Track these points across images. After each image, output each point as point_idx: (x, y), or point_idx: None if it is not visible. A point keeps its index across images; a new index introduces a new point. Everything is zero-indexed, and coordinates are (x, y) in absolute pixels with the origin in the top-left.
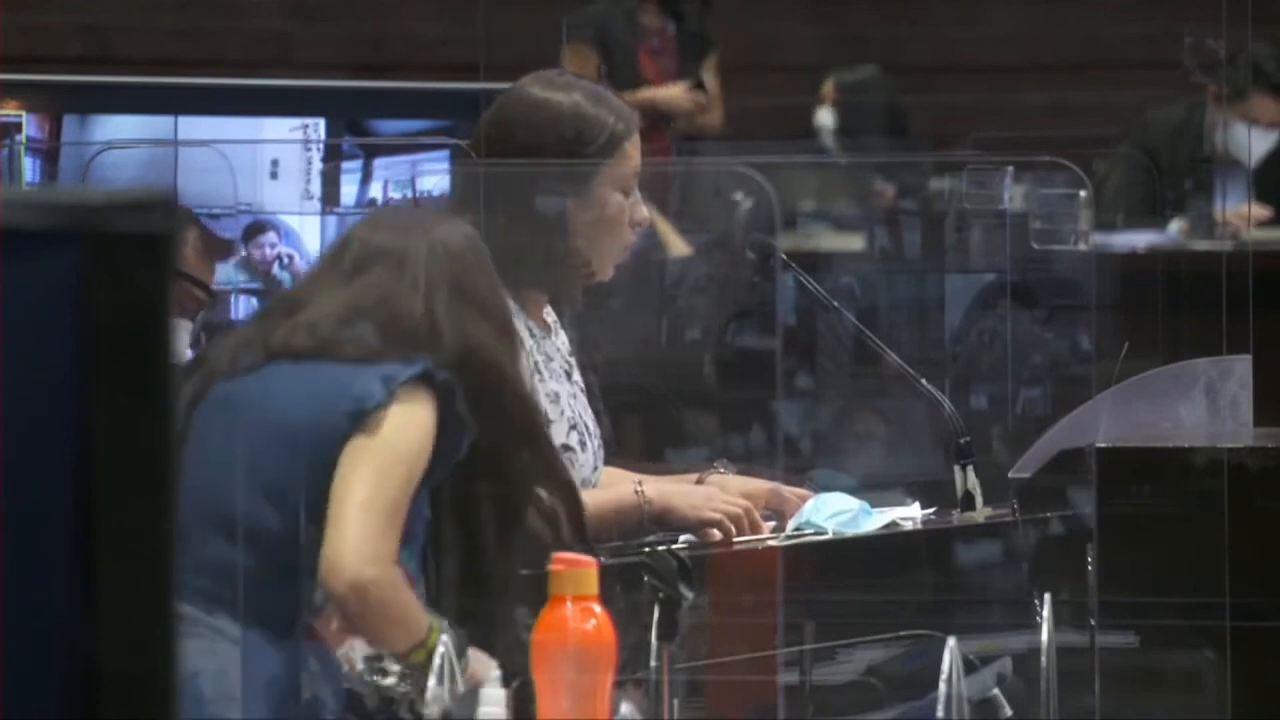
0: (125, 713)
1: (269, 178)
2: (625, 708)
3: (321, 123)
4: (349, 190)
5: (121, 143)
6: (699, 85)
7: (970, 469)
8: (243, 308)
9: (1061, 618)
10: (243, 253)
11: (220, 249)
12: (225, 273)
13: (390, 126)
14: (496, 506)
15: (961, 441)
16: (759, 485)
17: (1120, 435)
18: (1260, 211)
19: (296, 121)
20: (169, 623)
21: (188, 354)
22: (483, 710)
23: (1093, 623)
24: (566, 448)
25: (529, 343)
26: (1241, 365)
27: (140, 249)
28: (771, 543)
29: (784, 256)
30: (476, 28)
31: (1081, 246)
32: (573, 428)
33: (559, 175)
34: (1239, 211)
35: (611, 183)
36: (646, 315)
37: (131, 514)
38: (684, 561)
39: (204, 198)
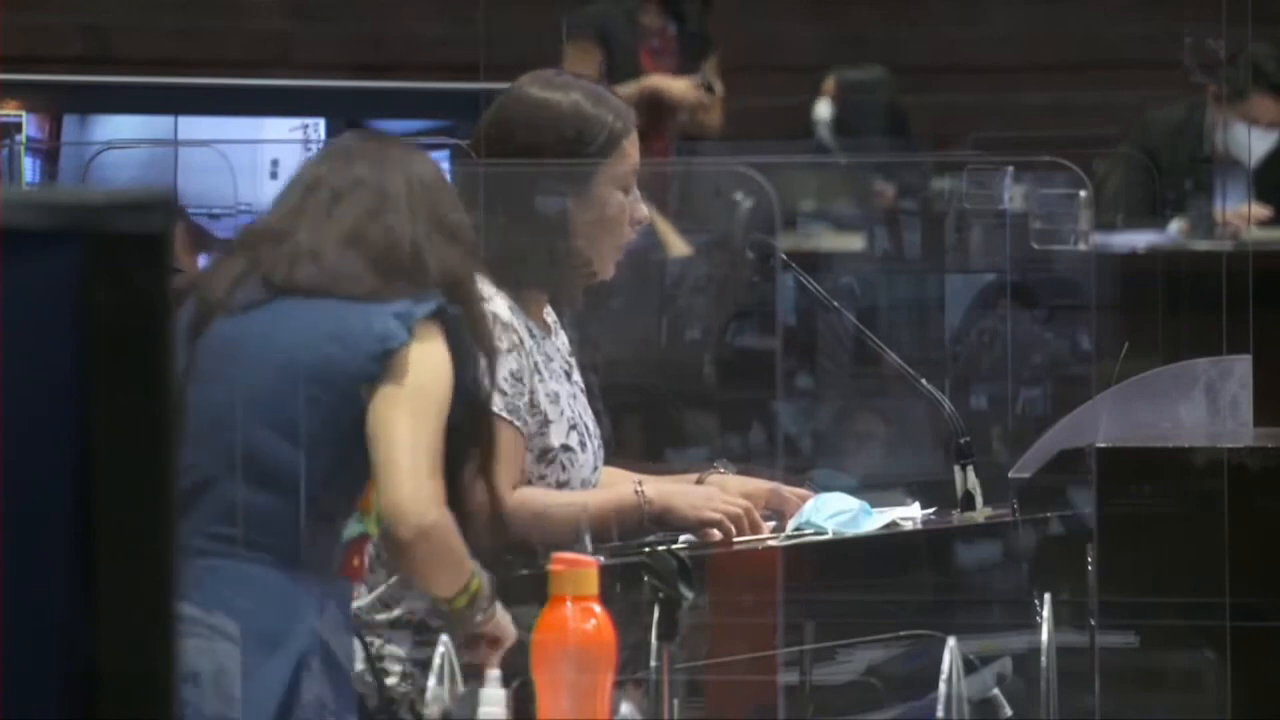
0: (125, 713)
1: (269, 178)
2: (625, 708)
3: (321, 123)
4: None
5: (121, 143)
6: (707, 86)
7: (970, 469)
8: None
9: (1061, 618)
10: None
11: (204, 242)
12: None
13: (390, 126)
14: (468, 433)
15: (961, 441)
16: (759, 485)
17: (1120, 435)
18: (1260, 211)
19: (296, 121)
20: (169, 623)
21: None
22: (483, 710)
23: (1093, 623)
24: (566, 448)
25: (529, 343)
26: (1241, 365)
27: (140, 249)
28: (771, 543)
29: (784, 256)
30: (476, 28)
31: (1081, 246)
32: (572, 428)
33: (559, 175)
34: (1239, 211)
35: (611, 181)
36: (646, 315)
37: (131, 514)
38: (684, 561)
39: (204, 198)
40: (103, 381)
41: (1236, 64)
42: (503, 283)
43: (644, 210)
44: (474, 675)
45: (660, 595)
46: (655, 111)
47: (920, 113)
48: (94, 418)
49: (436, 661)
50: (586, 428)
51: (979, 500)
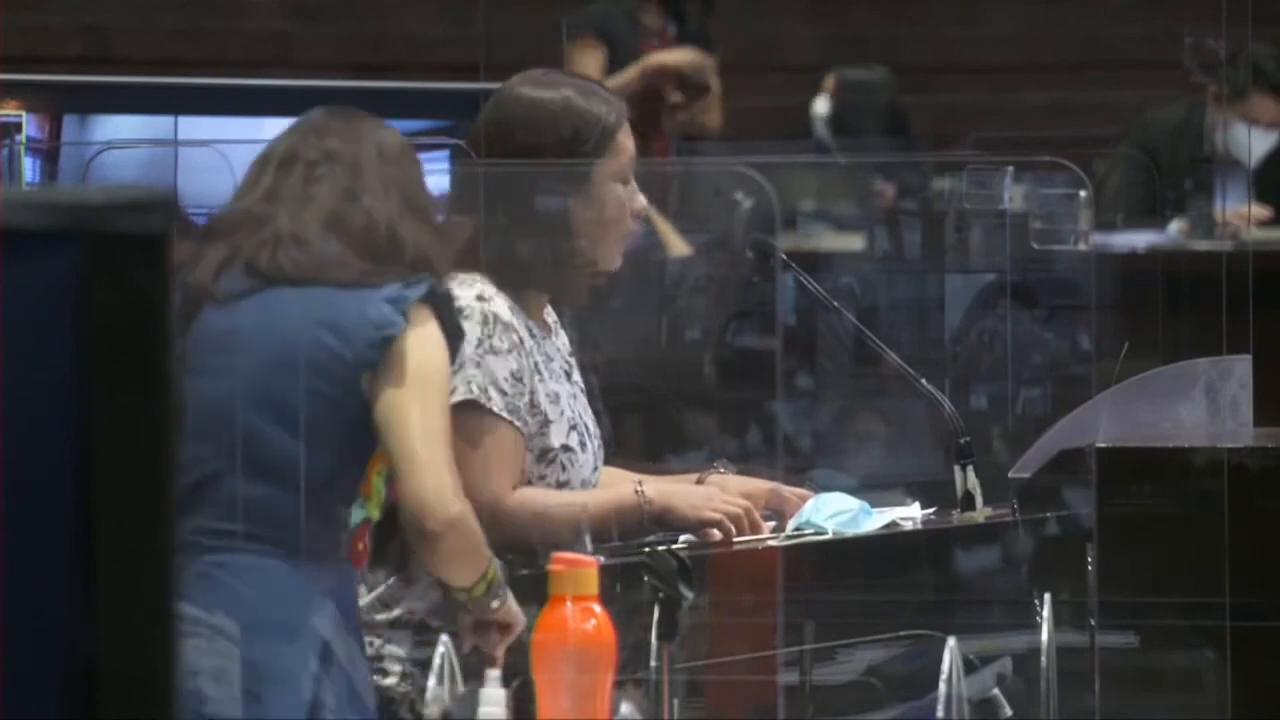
0: (125, 713)
1: None
2: (625, 708)
3: None
4: None
5: (121, 143)
6: (705, 86)
7: (970, 469)
8: None
9: (1061, 618)
10: None
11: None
12: None
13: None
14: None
15: (961, 441)
16: (759, 485)
17: (1120, 435)
18: (1260, 211)
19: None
20: (169, 623)
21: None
22: (483, 710)
23: (1093, 623)
24: (566, 448)
25: (529, 343)
26: (1241, 365)
27: (140, 249)
28: (771, 543)
29: (784, 256)
30: (476, 28)
31: (1081, 246)
32: (572, 428)
33: (559, 175)
34: (1239, 211)
35: (610, 176)
36: (646, 315)
37: (131, 514)
38: (684, 561)
39: (204, 198)
40: (103, 381)
41: (1236, 64)
42: (505, 284)
43: (643, 200)
44: (475, 674)
45: (660, 595)
46: (658, 95)
47: (920, 113)
48: (94, 418)
49: (436, 661)
50: (586, 428)
51: (979, 500)
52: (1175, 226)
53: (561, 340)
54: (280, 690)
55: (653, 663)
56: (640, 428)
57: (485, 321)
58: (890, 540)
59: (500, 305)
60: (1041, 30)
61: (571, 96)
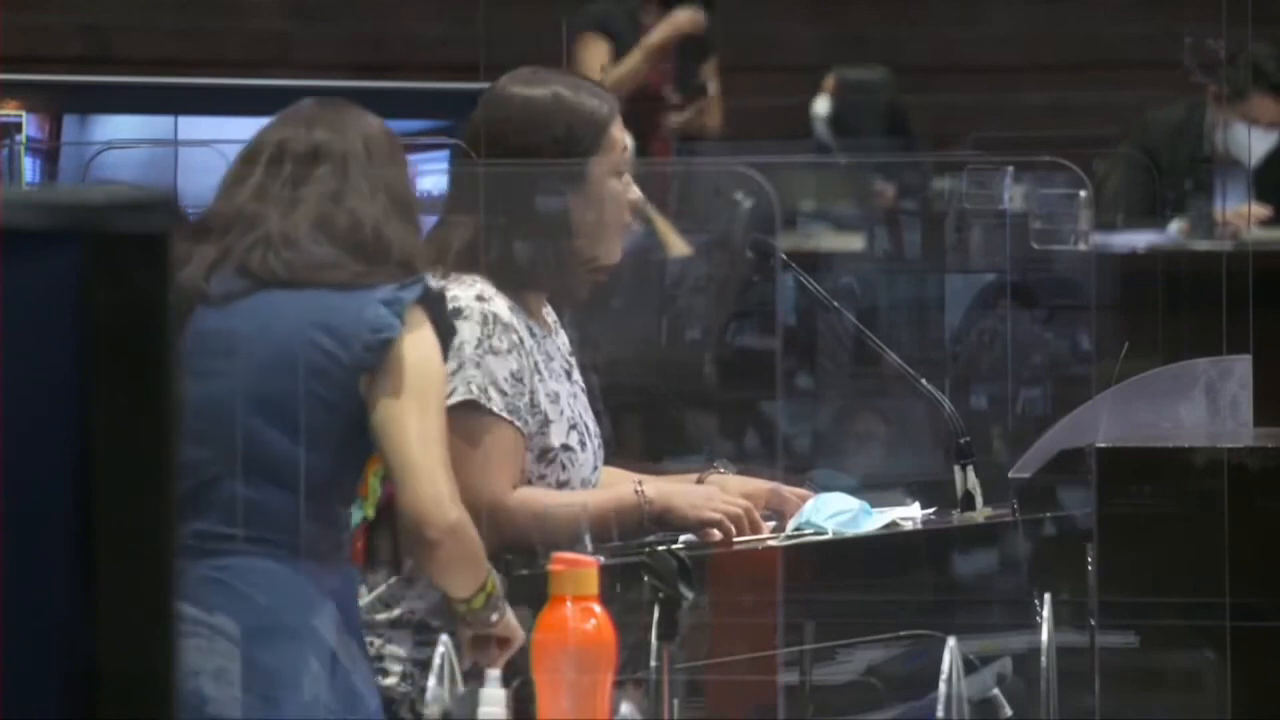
0: (125, 713)
1: None
2: (625, 708)
3: None
4: None
5: (121, 143)
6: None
7: (970, 469)
8: None
9: (1061, 618)
10: None
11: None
12: None
13: (390, 126)
14: None
15: (961, 441)
16: (759, 485)
17: (1120, 435)
18: (1260, 211)
19: None
20: (169, 623)
21: None
22: (483, 710)
23: (1093, 623)
24: (567, 447)
25: (529, 342)
26: (1241, 365)
27: (140, 249)
28: (771, 543)
29: (784, 256)
30: (476, 28)
31: (1081, 246)
32: (572, 427)
33: (557, 175)
34: (1239, 211)
35: (606, 171)
36: (646, 315)
37: (131, 514)
38: (684, 561)
39: (204, 198)
40: (103, 381)
41: (1236, 64)
42: (504, 284)
43: (638, 191)
44: (474, 675)
45: (660, 595)
46: (657, 95)
47: (920, 113)
48: (94, 418)
49: (436, 661)
50: (586, 427)
51: (979, 500)
52: (1175, 226)
53: (561, 339)
54: (296, 694)
55: (653, 663)
56: (640, 428)
57: (485, 322)
58: (890, 540)
59: (500, 305)
60: (1041, 30)
61: (562, 93)
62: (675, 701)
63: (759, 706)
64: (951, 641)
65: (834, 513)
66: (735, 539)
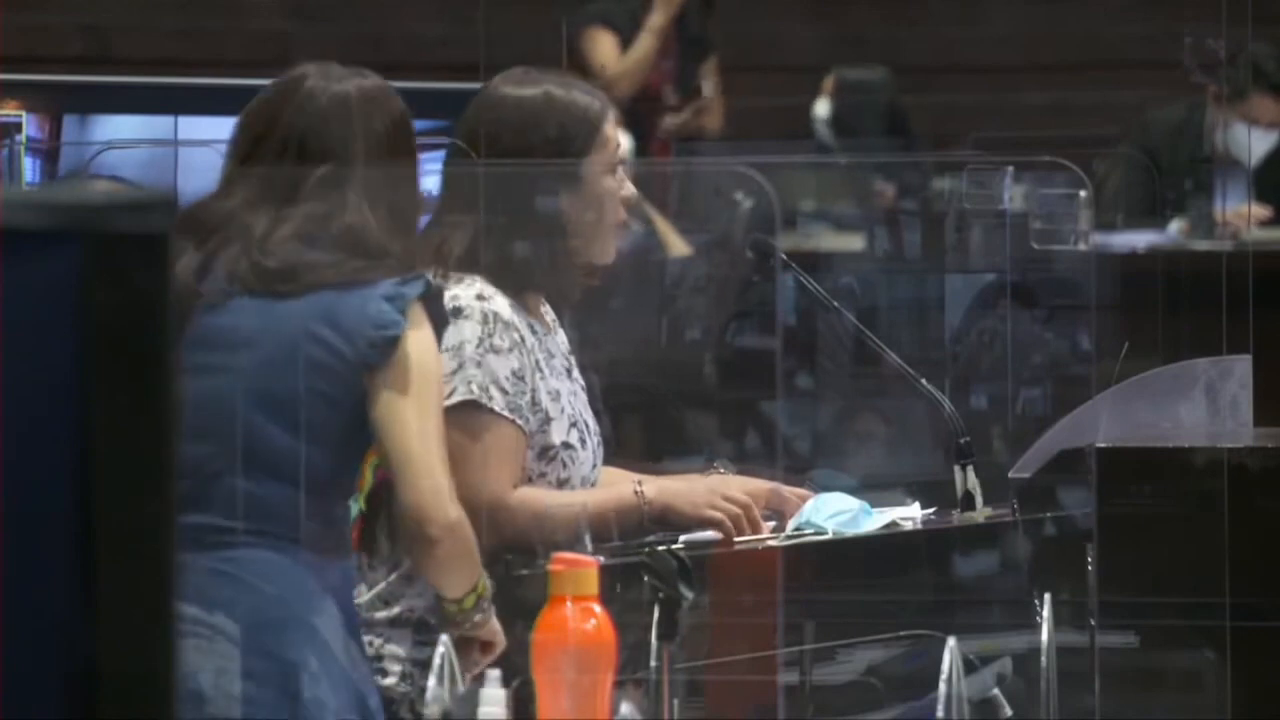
0: (125, 713)
1: None
2: (625, 708)
3: None
4: None
5: (121, 143)
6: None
7: (970, 469)
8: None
9: (1061, 618)
10: None
11: None
12: None
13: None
14: None
15: (961, 441)
16: (759, 485)
17: (1120, 435)
18: (1260, 211)
19: None
20: (169, 623)
21: None
22: (483, 710)
23: (1093, 623)
24: (567, 445)
25: (530, 340)
26: (1241, 365)
27: (140, 249)
28: (771, 543)
29: (784, 256)
30: (476, 28)
31: (1081, 246)
32: (573, 425)
33: (551, 174)
34: (1239, 211)
35: (601, 170)
36: (646, 315)
37: (131, 514)
38: (684, 561)
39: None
40: (103, 381)
41: (1236, 64)
42: (500, 284)
43: (632, 188)
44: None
45: (660, 595)
46: (657, 95)
47: (920, 113)
48: (94, 418)
49: (436, 661)
50: (587, 425)
51: (979, 500)
52: (1175, 226)
53: (561, 338)
54: (314, 686)
55: (653, 663)
56: (640, 428)
57: (486, 320)
58: (890, 540)
59: (501, 304)
60: (1041, 30)
61: (554, 92)
62: (675, 701)
63: (759, 706)
64: (951, 641)
65: (834, 513)
66: (735, 539)
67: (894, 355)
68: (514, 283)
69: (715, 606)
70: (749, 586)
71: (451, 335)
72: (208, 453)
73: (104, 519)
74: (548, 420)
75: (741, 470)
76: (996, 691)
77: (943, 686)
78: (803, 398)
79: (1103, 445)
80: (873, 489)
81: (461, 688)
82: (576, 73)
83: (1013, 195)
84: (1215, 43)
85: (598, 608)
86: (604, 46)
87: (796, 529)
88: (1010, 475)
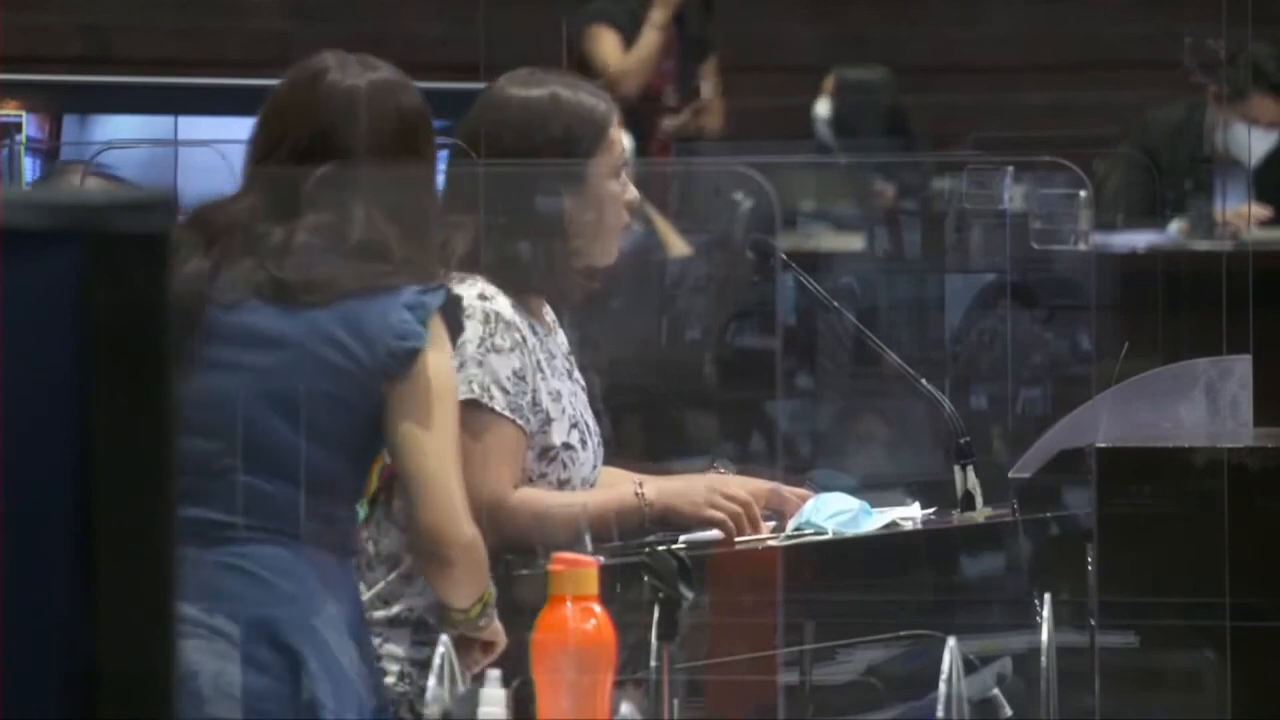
0: (125, 713)
1: None
2: (625, 708)
3: None
4: None
5: (121, 143)
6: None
7: (970, 469)
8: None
9: (1061, 618)
10: None
11: None
12: None
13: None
14: None
15: (961, 441)
16: (759, 485)
17: (1120, 435)
18: (1260, 211)
19: None
20: (169, 623)
21: None
22: (483, 710)
23: (1093, 623)
24: (568, 446)
25: (531, 340)
26: (1241, 365)
27: (140, 249)
28: (771, 543)
29: (784, 256)
30: (476, 28)
31: (1081, 246)
32: (574, 426)
33: (555, 175)
34: (1239, 211)
35: (605, 173)
36: (646, 315)
37: (131, 514)
38: (684, 561)
39: (204, 198)
40: (103, 381)
41: (1236, 64)
42: (501, 285)
43: (635, 192)
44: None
45: (660, 595)
46: (657, 95)
47: (920, 113)
48: (94, 418)
49: (436, 661)
50: (587, 426)
51: (979, 500)
52: (1175, 226)
53: (562, 338)
54: (316, 688)
55: (653, 663)
56: (640, 428)
57: (487, 320)
58: (890, 540)
59: (502, 303)
60: (1041, 30)
61: (560, 93)
62: (675, 701)
63: (759, 706)
64: (951, 641)
65: (834, 513)
66: (735, 539)
67: (894, 355)
68: (516, 283)
69: (715, 606)
70: (749, 586)
71: None
72: (219, 449)
73: (104, 519)
74: (548, 421)
75: (741, 470)
76: (996, 691)
77: (943, 686)
78: (803, 398)
79: (1103, 445)
80: (873, 489)
81: (461, 688)
82: (579, 72)
83: (1013, 195)
84: (1215, 43)
85: (598, 608)
86: (607, 44)
87: (796, 529)
88: (1010, 475)
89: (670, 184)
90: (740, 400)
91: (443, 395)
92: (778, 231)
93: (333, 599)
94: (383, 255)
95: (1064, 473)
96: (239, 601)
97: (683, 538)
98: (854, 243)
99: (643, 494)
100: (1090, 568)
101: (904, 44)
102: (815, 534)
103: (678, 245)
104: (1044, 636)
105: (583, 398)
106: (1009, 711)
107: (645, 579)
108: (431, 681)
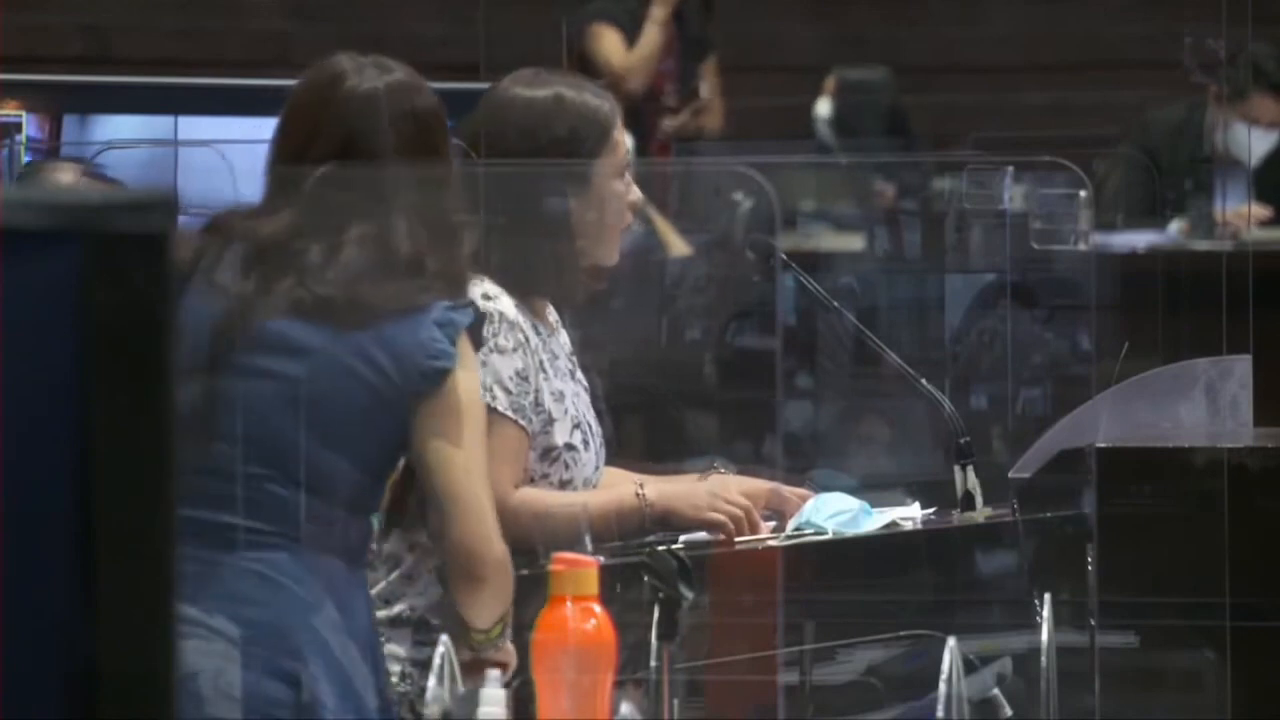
0: (125, 713)
1: None
2: (625, 708)
3: None
4: None
5: (121, 143)
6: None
7: (970, 469)
8: None
9: (1061, 618)
10: None
11: None
12: None
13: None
14: None
15: (961, 441)
16: (759, 485)
17: (1120, 435)
18: (1260, 211)
19: None
20: (169, 623)
21: None
22: (483, 710)
23: (1093, 623)
24: (570, 446)
25: (534, 341)
26: (1241, 365)
27: (140, 249)
28: (771, 543)
29: (784, 256)
30: (476, 28)
31: (1081, 246)
32: (576, 426)
33: (559, 175)
34: (1239, 211)
35: (609, 174)
36: (646, 315)
37: (131, 514)
38: (684, 561)
39: (204, 198)
40: (103, 381)
41: (1236, 64)
42: (506, 285)
43: (638, 193)
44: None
45: (660, 595)
46: (657, 95)
47: (920, 113)
48: (94, 418)
49: (436, 661)
50: (589, 426)
51: (979, 500)
52: (1175, 226)
53: (564, 338)
54: (319, 690)
55: (653, 663)
56: (641, 428)
57: (490, 320)
58: (890, 540)
59: (506, 304)
60: (1041, 30)
61: (565, 94)
62: (675, 701)
63: (759, 706)
64: (951, 641)
65: (834, 513)
66: (735, 539)
67: (894, 355)
68: (519, 283)
69: (715, 606)
70: (749, 586)
71: None
72: (242, 455)
73: (104, 519)
74: (551, 421)
75: (741, 470)
76: (996, 691)
77: (943, 686)
78: (803, 398)
79: (1103, 445)
80: (873, 489)
81: (461, 688)
82: (581, 72)
83: (1013, 195)
84: (1215, 43)
85: (598, 608)
86: (610, 42)
87: (796, 529)
88: (1010, 475)
89: (670, 184)
90: (740, 400)
91: (471, 412)
92: (778, 231)
93: (345, 605)
94: (418, 269)
95: (1064, 473)
96: (256, 606)
97: (683, 538)
98: (854, 243)
99: (643, 495)
100: (1090, 568)
101: (904, 44)
102: (815, 534)
103: (678, 245)
104: (1044, 636)
105: (585, 398)
106: (1009, 711)
107: (645, 579)
108: (431, 681)
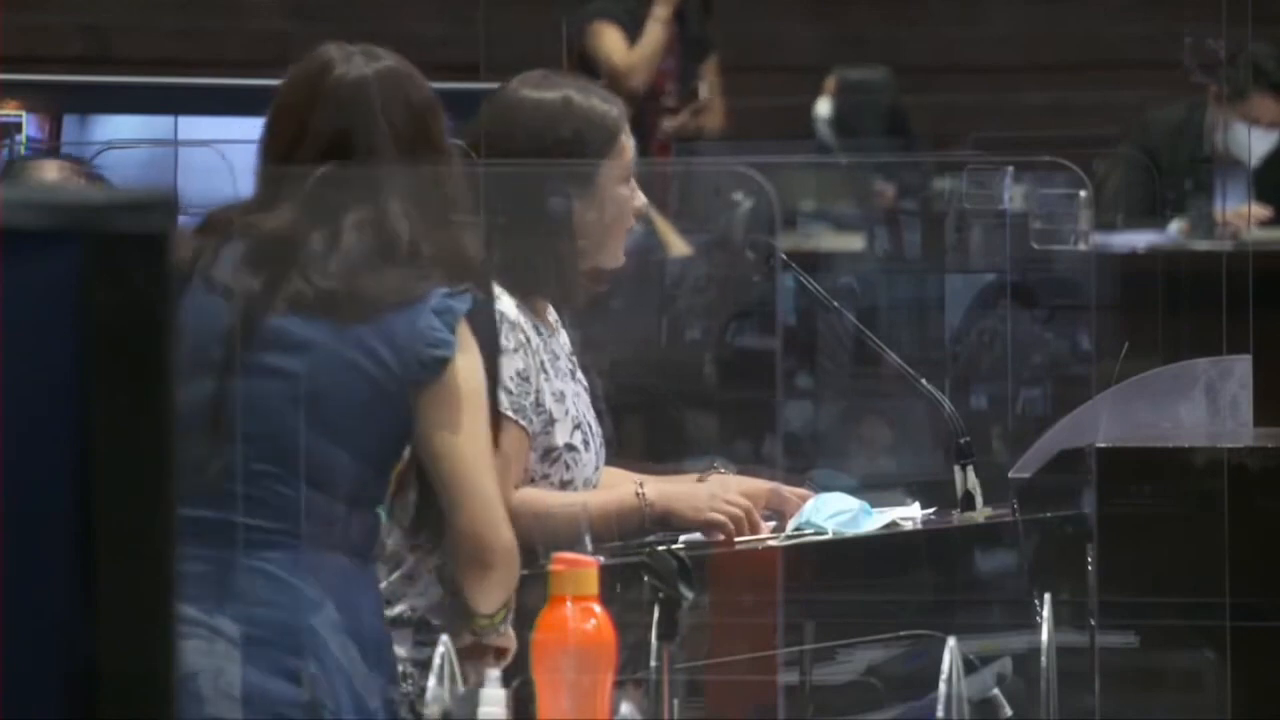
0: (125, 713)
1: None
2: (625, 708)
3: None
4: None
5: (121, 143)
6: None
7: (970, 469)
8: None
9: (1061, 618)
10: None
11: None
12: None
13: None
14: None
15: (961, 441)
16: (759, 485)
17: (1120, 435)
18: (1260, 211)
19: None
20: (169, 623)
21: None
22: (483, 710)
23: (1093, 623)
24: (571, 447)
25: (535, 341)
26: (1241, 365)
27: (140, 249)
28: (771, 543)
29: (784, 256)
30: (476, 28)
31: (1081, 246)
32: (576, 426)
33: (564, 177)
34: (1239, 211)
35: (615, 177)
36: (646, 315)
37: (131, 514)
38: (684, 561)
39: (204, 198)
40: (103, 381)
41: (1236, 64)
42: (508, 286)
43: (643, 198)
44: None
45: (660, 595)
46: (657, 94)
47: (920, 113)
48: (94, 418)
49: (436, 661)
50: (590, 426)
51: (979, 500)
52: (1175, 226)
53: (564, 339)
54: (319, 690)
55: (653, 663)
56: (641, 428)
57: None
58: (890, 540)
59: (507, 304)
60: (1041, 30)
61: (573, 97)
62: (675, 701)
63: (759, 706)
64: (951, 641)
65: (834, 513)
66: (735, 539)
67: (894, 355)
68: (521, 284)
69: (715, 606)
70: (749, 586)
71: None
72: (246, 453)
73: (104, 519)
74: (551, 421)
75: (741, 470)
76: (996, 691)
77: (943, 686)
78: (803, 398)
79: (1103, 445)
80: (873, 489)
81: (461, 688)
82: (582, 71)
83: (1013, 195)
84: (1215, 43)
85: (598, 608)
86: (612, 40)
87: (796, 529)
88: (1010, 475)
89: (670, 184)
90: (740, 400)
91: (473, 400)
92: (778, 231)
93: (353, 602)
94: (415, 255)
95: (1064, 473)
96: (263, 605)
97: (683, 538)
98: (854, 243)
99: (644, 495)
100: (1090, 568)
101: (904, 44)
102: (815, 534)
103: (678, 245)
104: (1044, 636)
105: (585, 398)
106: (1009, 711)
107: (645, 579)
108: (431, 681)
